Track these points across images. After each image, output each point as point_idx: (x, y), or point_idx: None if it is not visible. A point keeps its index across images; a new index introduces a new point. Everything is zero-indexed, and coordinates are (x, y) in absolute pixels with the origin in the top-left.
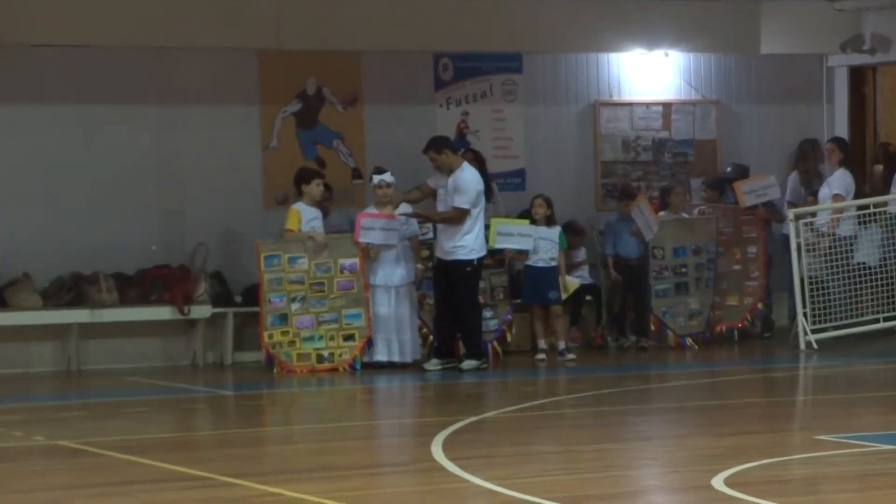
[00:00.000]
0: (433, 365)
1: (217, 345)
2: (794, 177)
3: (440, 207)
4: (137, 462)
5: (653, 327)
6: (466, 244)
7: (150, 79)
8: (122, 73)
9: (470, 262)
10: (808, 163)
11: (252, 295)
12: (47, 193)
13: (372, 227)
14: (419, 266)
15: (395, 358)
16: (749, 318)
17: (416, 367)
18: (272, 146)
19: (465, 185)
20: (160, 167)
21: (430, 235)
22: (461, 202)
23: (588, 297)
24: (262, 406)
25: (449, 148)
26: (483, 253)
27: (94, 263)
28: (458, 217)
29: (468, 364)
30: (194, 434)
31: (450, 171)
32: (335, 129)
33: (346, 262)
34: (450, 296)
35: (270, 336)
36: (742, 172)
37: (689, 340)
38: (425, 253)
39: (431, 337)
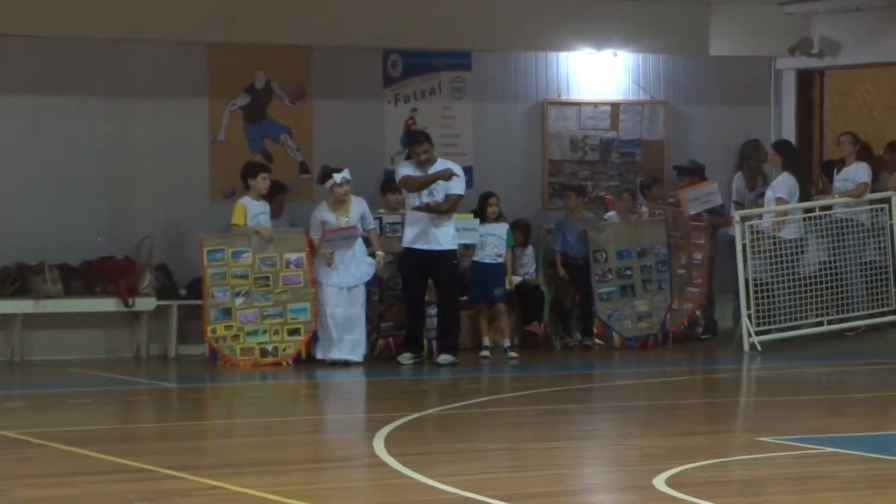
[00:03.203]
0: (406, 359)
1: (161, 337)
2: (738, 177)
3: (415, 203)
4: (79, 453)
5: (596, 330)
6: (452, 234)
7: (98, 70)
8: (70, 63)
9: (454, 252)
10: (750, 162)
11: (197, 288)
12: None
13: (335, 238)
14: (380, 253)
15: (347, 356)
16: (686, 323)
17: (363, 364)
18: (220, 139)
19: (458, 171)
20: (107, 159)
21: (400, 234)
22: (459, 189)
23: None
24: (204, 399)
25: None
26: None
27: (40, 254)
28: (457, 204)
29: (445, 359)
30: (137, 426)
31: (431, 164)
32: (283, 123)
33: (292, 256)
34: (424, 288)
35: (214, 330)
36: (699, 169)
37: (635, 343)
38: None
39: (375, 334)
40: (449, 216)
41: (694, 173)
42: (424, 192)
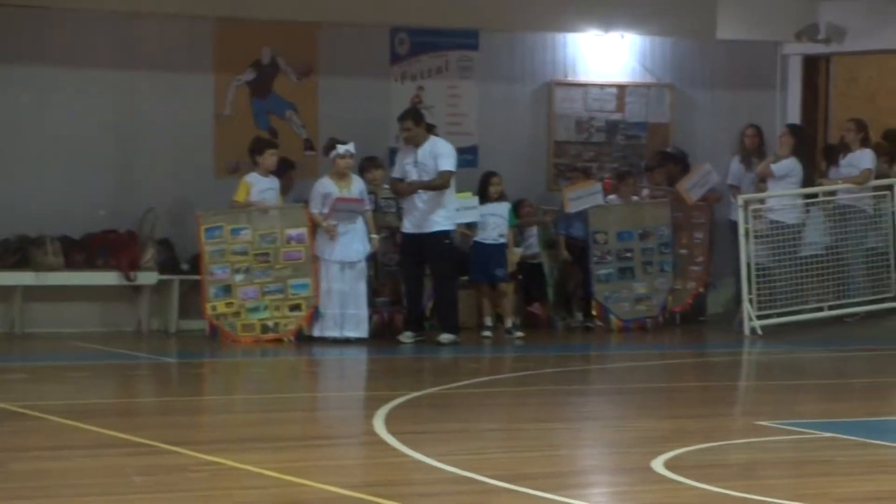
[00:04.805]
0: (407, 337)
1: (162, 312)
2: (735, 160)
3: (410, 178)
4: (77, 427)
5: (594, 312)
6: (443, 214)
7: (105, 43)
8: (77, 36)
9: (447, 233)
10: (745, 148)
11: (199, 263)
12: None
13: (342, 208)
14: (374, 237)
15: (349, 333)
16: (691, 302)
17: (364, 342)
18: (225, 114)
19: (446, 149)
20: (112, 132)
21: (394, 209)
22: (447, 165)
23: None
24: (204, 374)
25: (423, 122)
26: (454, 225)
27: (41, 226)
28: (446, 181)
29: (446, 338)
30: (136, 400)
31: (417, 144)
32: (288, 99)
33: (294, 232)
34: (421, 269)
35: (214, 308)
36: (683, 157)
37: (632, 325)
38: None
39: (370, 309)
40: (438, 196)
41: (678, 161)
42: (413, 173)
